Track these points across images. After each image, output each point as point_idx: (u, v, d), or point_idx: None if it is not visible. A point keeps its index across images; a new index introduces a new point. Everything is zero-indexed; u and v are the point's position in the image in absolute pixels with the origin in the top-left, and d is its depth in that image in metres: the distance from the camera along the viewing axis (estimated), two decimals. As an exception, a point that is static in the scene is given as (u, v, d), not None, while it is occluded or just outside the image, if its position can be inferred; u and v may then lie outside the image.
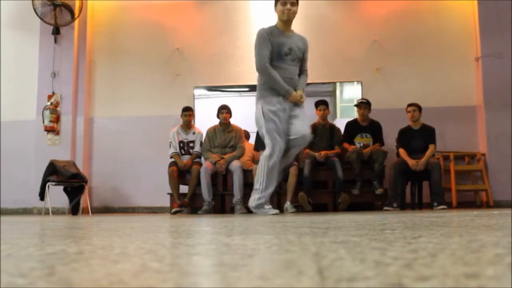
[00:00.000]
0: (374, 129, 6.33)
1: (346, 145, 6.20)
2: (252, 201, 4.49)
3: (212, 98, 7.42)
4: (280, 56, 4.44)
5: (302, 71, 4.69)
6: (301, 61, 4.64)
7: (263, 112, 4.41)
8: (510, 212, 3.67)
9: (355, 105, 6.52)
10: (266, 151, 4.40)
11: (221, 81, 7.50)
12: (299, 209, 5.74)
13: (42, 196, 6.21)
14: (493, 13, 6.80)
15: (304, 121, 4.51)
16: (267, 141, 4.40)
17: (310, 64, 7.11)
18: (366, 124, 6.34)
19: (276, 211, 4.58)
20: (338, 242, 1.30)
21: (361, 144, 6.26)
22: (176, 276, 0.79)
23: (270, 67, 4.40)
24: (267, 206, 4.50)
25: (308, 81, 7.23)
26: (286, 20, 4.49)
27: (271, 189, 4.46)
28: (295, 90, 4.50)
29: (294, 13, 4.48)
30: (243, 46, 7.43)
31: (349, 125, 6.42)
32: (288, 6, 4.41)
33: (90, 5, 7.67)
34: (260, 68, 4.43)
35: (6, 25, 7.73)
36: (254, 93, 7.64)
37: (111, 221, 3.57)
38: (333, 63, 7.26)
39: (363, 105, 6.31)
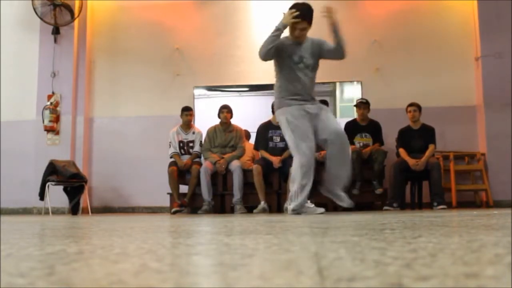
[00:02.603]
0: (373, 129, 6.33)
1: (345, 145, 6.19)
2: (289, 206, 4.39)
3: (212, 98, 7.42)
4: (291, 63, 4.45)
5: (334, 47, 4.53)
6: (324, 56, 4.59)
7: (287, 122, 4.36)
8: (510, 212, 3.67)
9: (354, 105, 6.52)
10: (295, 160, 4.34)
11: (221, 81, 7.50)
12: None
13: (42, 196, 6.21)
14: (493, 13, 6.80)
15: (330, 120, 4.45)
16: (293, 150, 4.36)
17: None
18: (365, 124, 6.34)
19: (321, 210, 4.51)
20: (338, 242, 1.30)
21: (361, 144, 6.26)
22: (176, 276, 0.79)
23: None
24: (310, 205, 4.46)
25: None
26: (296, 41, 4.50)
27: (306, 191, 4.37)
28: (309, 97, 4.47)
29: (305, 34, 4.48)
30: (243, 46, 7.43)
31: (349, 125, 6.42)
32: (297, 32, 4.40)
33: (90, 5, 7.67)
34: (259, 49, 4.38)
35: (6, 25, 7.72)
36: (254, 93, 7.78)
37: (111, 221, 3.57)
38: (333, 63, 7.15)
39: (362, 105, 6.32)
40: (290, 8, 4.39)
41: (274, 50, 4.36)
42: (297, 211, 4.35)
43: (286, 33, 4.58)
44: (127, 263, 0.96)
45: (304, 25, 4.38)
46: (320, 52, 4.56)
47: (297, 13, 4.30)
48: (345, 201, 4.54)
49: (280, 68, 4.51)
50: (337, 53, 4.56)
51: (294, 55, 4.46)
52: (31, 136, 7.36)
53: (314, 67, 4.58)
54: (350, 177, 4.59)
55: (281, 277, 0.75)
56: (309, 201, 4.51)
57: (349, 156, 4.48)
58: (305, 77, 4.49)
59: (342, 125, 6.42)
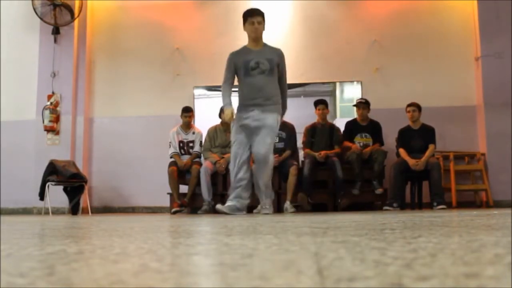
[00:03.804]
0: (373, 129, 6.33)
1: (348, 143, 6.20)
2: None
3: (212, 98, 7.41)
4: (247, 71, 4.73)
5: (281, 89, 4.85)
6: (277, 73, 4.81)
7: (233, 126, 4.83)
8: (510, 212, 3.67)
9: (354, 105, 6.52)
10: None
11: (221, 81, 7.45)
12: (299, 209, 5.74)
13: (42, 196, 6.20)
14: (493, 13, 6.80)
15: (263, 139, 4.63)
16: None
17: (310, 64, 7.22)
18: (365, 124, 6.34)
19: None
20: (338, 242, 1.30)
21: (361, 144, 6.26)
22: (176, 276, 0.79)
23: (225, 86, 4.92)
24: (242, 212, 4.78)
25: (308, 81, 7.29)
26: (254, 37, 4.85)
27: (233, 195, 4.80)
28: (264, 101, 4.70)
29: (261, 30, 4.84)
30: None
31: (349, 125, 6.42)
32: (256, 25, 4.79)
33: (90, 5, 7.67)
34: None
35: (6, 25, 7.72)
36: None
37: (111, 221, 3.57)
38: (333, 63, 7.25)
39: (362, 105, 6.32)
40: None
41: (233, 77, 4.90)
42: (230, 202, 4.72)
43: (245, 41, 4.94)
44: (127, 263, 0.96)
45: (259, 18, 4.77)
46: (277, 63, 4.78)
47: None
48: (263, 210, 4.82)
49: (239, 76, 4.85)
50: (280, 90, 4.85)
51: (250, 62, 4.72)
52: (31, 136, 7.35)
53: (271, 72, 4.76)
54: (268, 190, 4.85)
55: (281, 277, 0.74)
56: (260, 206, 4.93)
57: (267, 174, 4.72)
58: (261, 82, 4.71)
59: (342, 126, 6.47)
